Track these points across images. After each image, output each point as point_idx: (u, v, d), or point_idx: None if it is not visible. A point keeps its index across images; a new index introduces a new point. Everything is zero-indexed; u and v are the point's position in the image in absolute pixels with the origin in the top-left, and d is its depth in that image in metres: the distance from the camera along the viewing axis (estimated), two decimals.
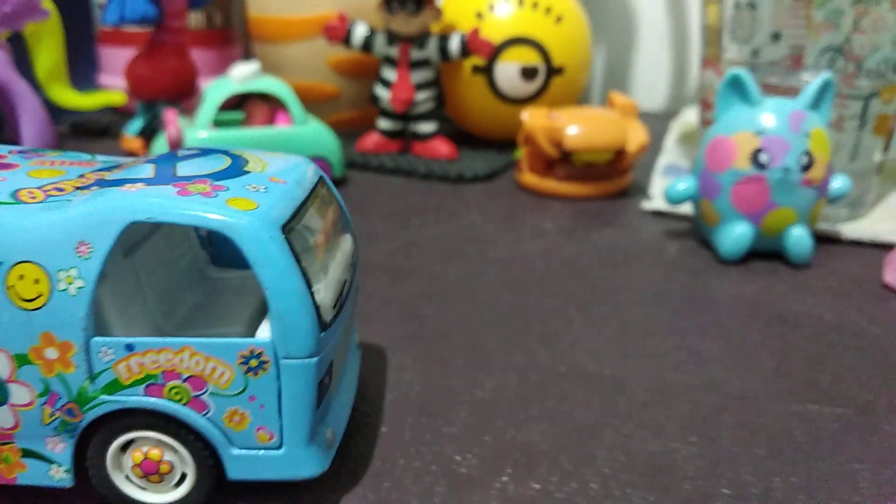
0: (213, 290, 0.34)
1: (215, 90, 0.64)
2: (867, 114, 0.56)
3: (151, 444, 0.27)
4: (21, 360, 0.25)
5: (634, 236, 0.58)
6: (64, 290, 0.25)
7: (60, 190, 0.27)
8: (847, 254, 0.55)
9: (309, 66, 0.79)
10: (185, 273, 0.34)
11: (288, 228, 0.26)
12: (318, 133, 0.65)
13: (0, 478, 0.27)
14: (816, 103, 0.51)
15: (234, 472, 0.27)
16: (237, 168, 0.28)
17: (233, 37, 0.94)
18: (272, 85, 0.65)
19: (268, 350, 0.25)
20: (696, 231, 0.58)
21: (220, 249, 0.35)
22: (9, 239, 0.25)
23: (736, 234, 0.52)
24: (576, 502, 0.29)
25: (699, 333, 0.42)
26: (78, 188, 0.27)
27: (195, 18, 0.90)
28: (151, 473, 0.27)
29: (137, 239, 0.31)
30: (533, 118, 0.66)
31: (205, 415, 0.26)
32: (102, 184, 0.27)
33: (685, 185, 0.55)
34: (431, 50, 0.72)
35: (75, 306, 0.25)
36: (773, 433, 0.33)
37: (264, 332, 0.25)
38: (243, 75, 0.64)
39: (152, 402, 0.26)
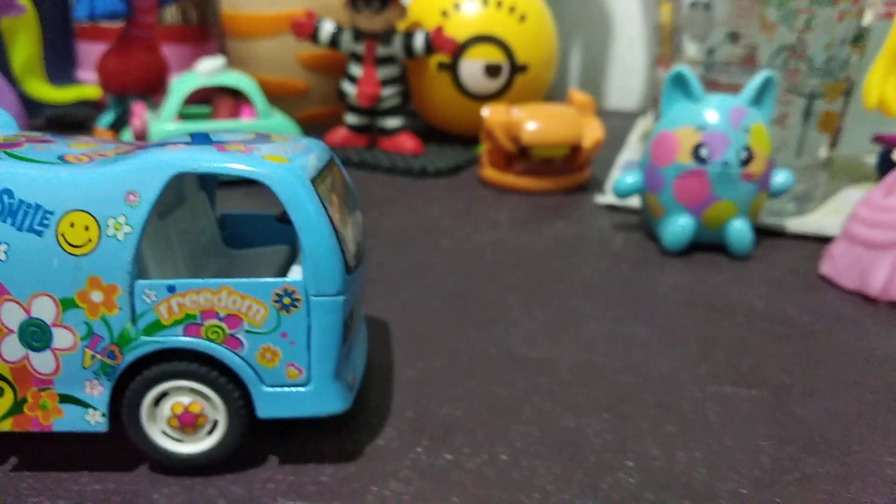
0: (230, 264, 0.36)
1: (181, 84, 0.65)
2: (811, 111, 0.58)
3: (184, 394, 0.28)
4: (66, 304, 0.27)
5: (584, 229, 0.59)
6: (112, 235, 0.26)
7: (103, 155, 0.29)
8: (790, 247, 0.57)
9: (279, 62, 0.80)
10: (206, 246, 0.36)
11: (315, 182, 0.28)
12: (281, 126, 0.67)
13: (36, 424, 0.28)
14: (758, 100, 0.53)
15: (264, 411, 0.28)
16: (264, 138, 0.31)
17: (208, 33, 0.95)
18: (237, 79, 0.66)
19: (300, 289, 0.27)
20: (644, 224, 0.60)
21: (232, 232, 0.38)
22: (60, 191, 0.26)
23: (678, 227, 0.53)
24: (483, 472, 0.30)
25: (632, 320, 0.44)
26: (121, 153, 0.28)
27: (170, 14, 0.92)
28: (188, 425, 0.28)
29: (170, 205, 0.33)
30: (493, 114, 0.68)
31: (238, 352, 0.28)
32: (147, 148, 0.29)
33: (632, 178, 0.56)
34: (397, 47, 0.74)
35: (123, 251, 0.26)
36: (686, 412, 0.35)
37: (295, 273, 0.28)
38: (208, 70, 0.66)
39: (190, 341, 0.27)
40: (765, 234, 0.59)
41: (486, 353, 0.39)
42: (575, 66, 1.20)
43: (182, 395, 0.28)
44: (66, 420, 0.28)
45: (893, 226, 0.47)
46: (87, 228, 0.26)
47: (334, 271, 0.27)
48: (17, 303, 0.27)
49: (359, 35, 0.73)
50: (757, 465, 0.31)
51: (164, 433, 0.29)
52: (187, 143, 0.28)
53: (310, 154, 0.30)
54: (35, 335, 0.27)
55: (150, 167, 0.27)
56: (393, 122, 0.76)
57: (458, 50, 0.75)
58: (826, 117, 0.58)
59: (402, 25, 0.75)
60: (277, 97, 0.79)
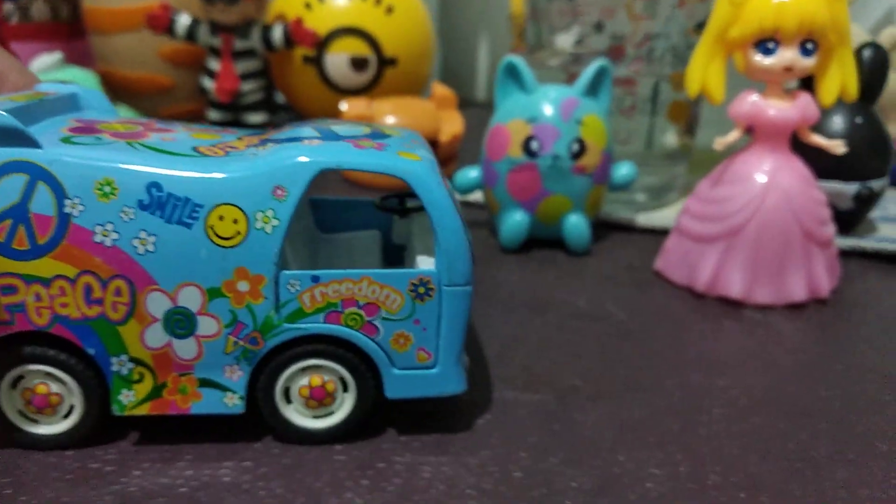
0: (323, 247, 0.38)
1: None
2: (657, 100, 0.56)
3: (316, 373, 0.30)
4: (213, 293, 0.28)
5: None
6: (261, 228, 0.27)
7: (234, 147, 0.30)
8: (635, 242, 0.55)
9: (141, 57, 0.77)
10: (302, 231, 0.37)
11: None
12: None
13: (174, 408, 0.29)
14: (593, 90, 0.51)
15: (393, 392, 0.30)
16: (380, 133, 0.32)
17: (81, 30, 0.91)
18: (75, 75, 0.63)
19: (434, 279, 0.29)
20: (490, 220, 0.57)
21: (322, 217, 0.39)
22: (209, 185, 0.27)
23: (513, 222, 0.51)
24: None
25: None
26: (251, 146, 0.30)
27: (39, 11, 0.87)
28: (321, 398, 0.30)
29: None
30: (351, 108, 0.65)
31: (374, 338, 0.29)
32: (279, 140, 0.30)
33: (474, 173, 0.54)
34: (255, 40, 0.71)
35: (270, 243, 0.27)
36: (456, 420, 0.33)
37: (427, 264, 0.30)
38: (44, 66, 0.62)
39: (331, 327, 0.29)
40: (615, 228, 0.57)
41: None
42: (483, 62, 1.18)
43: (312, 373, 0.30)
44: (205, 403, 0.29)
45: (719, 217, 0.45)
46: (235, 221, 0.27)
47: (465, 263, 0.29)
48: (164, 292, 0.27)
49: (215, 28, 0.70)
50: (505, 480, 0.29)
51: (298, 411, 0.30)
52: (320, 139, 0.30)
53: (423, 147, 0.31)
54: (180, 323, 0.28)
55: (297, 163, 0.28)
56: (256, 118, 0.73)
57: (322, 43, 0.72)
58: (675, 107, 0.57)
59: (269, 18, 0.73)
60: (141, 94, 0.76)
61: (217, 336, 0.28)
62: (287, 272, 0.28)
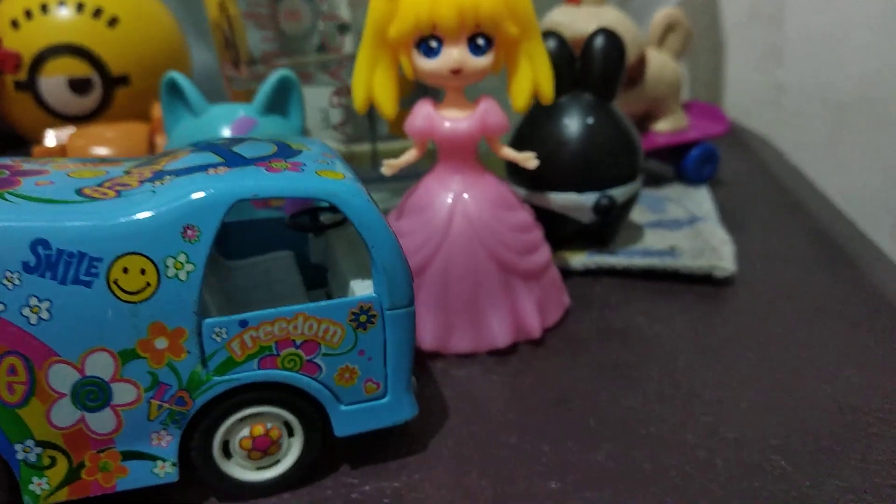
0: (230, 277, 0.34)
1: None
2: (374, 114, 0.48)
3: (257, 422, 0.27)
4: (127, 356, 0.25)
5: None
6: (173, 276, 0.25)
7: (125, 185, 0.26)
8: None
9: None
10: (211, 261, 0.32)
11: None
12: None
13: (96, 488, 0.26)
14: (278, 107, 0.43)
15: (342, 429, 0.28)
16: (289, 150, 0.29)
17: None
18: None
19: (375, 304, 0.27)
20: None
21: (223, 241, 0.34)
22: (105, 234, 0.24)
23: None
24: None
25: None
26: (145, 181, 0.26)
27: None
28: (265, 448, 0.27)
29: None
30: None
31: (317, 377, 0.27)
32: (178, 171, 0.26)
33: None
34: None
35: (186, 291, 0.25)
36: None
37: (365, 289, 0.28)
38: None
39: (267, 373, 0.26)
40: None
41: None
42: None
43: (253, 422, 0.27)
44: (132, 477, 0.26)
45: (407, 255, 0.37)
46: (143, 272, 0.24)
47: (405, 283, 0.28)
48: (68, 363, 0.24)
49: None
50: None
51: (241, 465, 0.28)
52: (226, 165, 0.27)
53: (338, 160, 0.29)
54: (92, 395, 0.25)
55: (208, 197, 0.25)
56: None
57: (32, 65, 0.62)
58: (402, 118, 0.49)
59: None
60: None
61: (137, 403, 0.25)
62: (210, 320, 0.25)
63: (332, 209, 0.32)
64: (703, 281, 0.44)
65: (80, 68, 0.63)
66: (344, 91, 0.49)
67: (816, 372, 0.34)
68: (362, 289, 0.28)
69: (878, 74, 0.77)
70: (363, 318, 0.27)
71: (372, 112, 0.46)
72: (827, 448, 0.29)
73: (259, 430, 0.27)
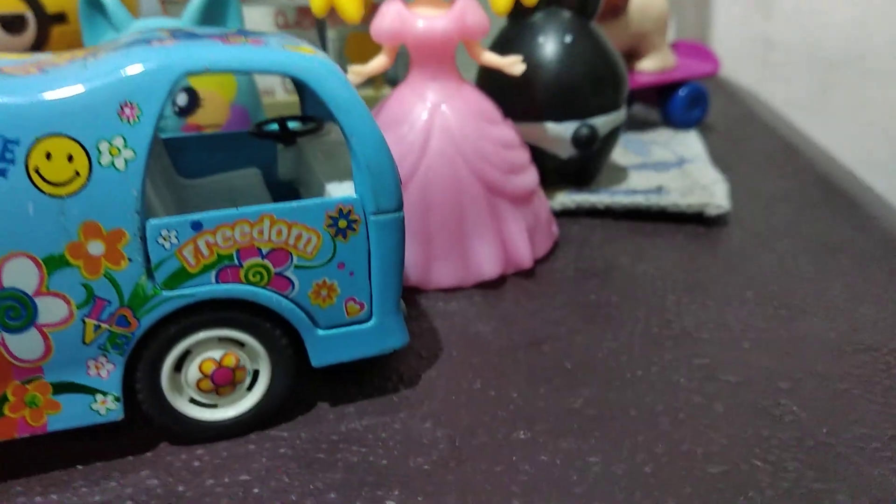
0: (190, 198, 0.30)
1: None
2: (325, 34, 0.43)
3: (215, 349, 0.23)
4: (53, 263, 0.21)
5: None
6: (108, 164, 0.20)
7: (54, 64, 0.22)
8: None
9: None
10: (167, 176, 0.29)
11: None
12: None
13: (24, 428, 0.22)
14: (213, 21, 0.38)
15: (320, 358, 0.24)
16: (249, 32, 0.25)
17: None
18: None
19: (356, 207, 0.23)
20: None
21: (182, 159, 0.30)
22: (24, 112, 0.20)
23: None
24: None
25: None
26: (77, 59, 0.22)
27: None
28: (224, 384, 0.23)
29: None
30: None
31: (288, 294, 0.23)
32: (119, 48, 0.22)
33: None
34: None
35: (126, 184, 0.21)
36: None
37: (344, 190, 0.24)
38: None
39: (227, 288, 0.22)
40: None
41: None
42: None
43: (210, 350, 0.23)
44: (66, 415, 0.22)
45: None
46: (70, 158, 0.20)
47: (393, 182, 0.23)
48: None
49: None
50: None
51: (194, 400, 0.23)
52: (174, 38, 0.22)
53: (311, 45, 0.25)
54: (12, 311, 0.21)
55: (149, 71, 0.21)
56: None
57: None
58: (355, 40, 0.44)
59: None
60: None
61: (69, 322, 0.21)
62: (155, 220, 0.21)
63: (303, 118, 0.28)
64: (693, 220, 0.39)
65: (13, 4, 0.57)
66: (288, 10, 0.43)
67: (825, 311, 0.31)
68: (343, 191, 0.24)
69: (863, 27, 0.74)
70: (342, 223, 0.23)
71: (322, 29, 0.41)
72: (844, 391, 0.25)
73: (221, 359, 0.23)
